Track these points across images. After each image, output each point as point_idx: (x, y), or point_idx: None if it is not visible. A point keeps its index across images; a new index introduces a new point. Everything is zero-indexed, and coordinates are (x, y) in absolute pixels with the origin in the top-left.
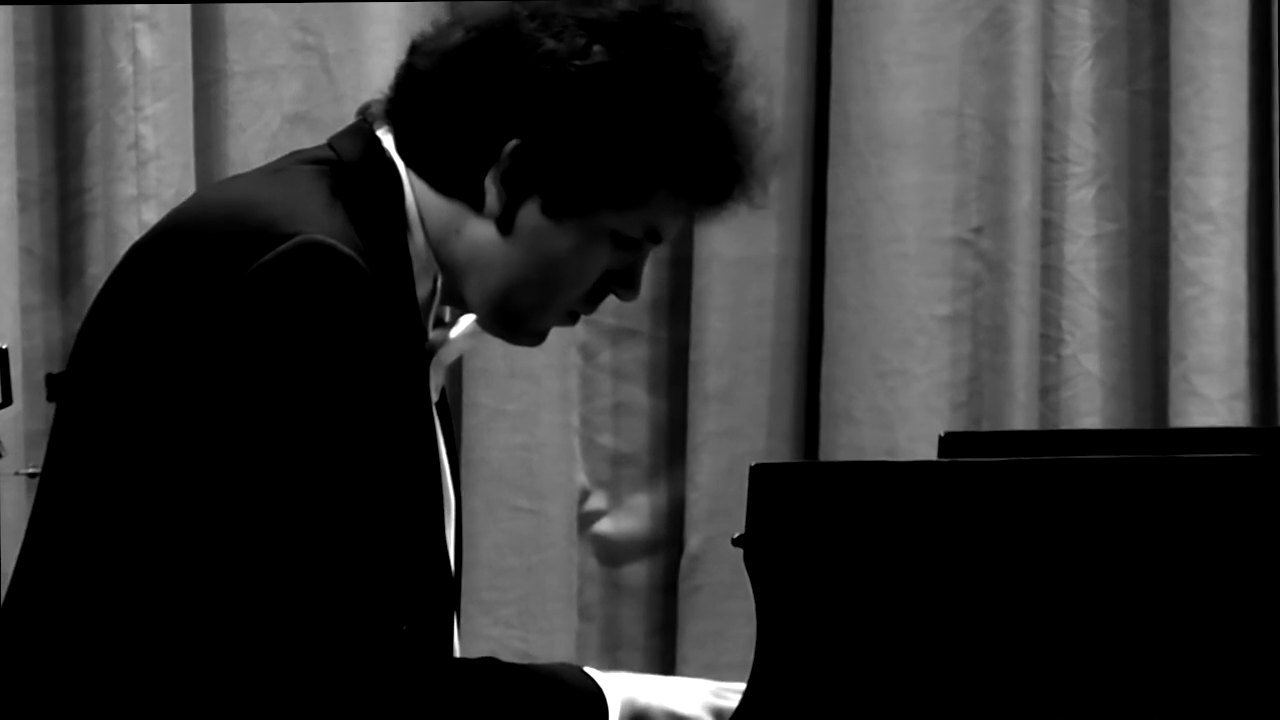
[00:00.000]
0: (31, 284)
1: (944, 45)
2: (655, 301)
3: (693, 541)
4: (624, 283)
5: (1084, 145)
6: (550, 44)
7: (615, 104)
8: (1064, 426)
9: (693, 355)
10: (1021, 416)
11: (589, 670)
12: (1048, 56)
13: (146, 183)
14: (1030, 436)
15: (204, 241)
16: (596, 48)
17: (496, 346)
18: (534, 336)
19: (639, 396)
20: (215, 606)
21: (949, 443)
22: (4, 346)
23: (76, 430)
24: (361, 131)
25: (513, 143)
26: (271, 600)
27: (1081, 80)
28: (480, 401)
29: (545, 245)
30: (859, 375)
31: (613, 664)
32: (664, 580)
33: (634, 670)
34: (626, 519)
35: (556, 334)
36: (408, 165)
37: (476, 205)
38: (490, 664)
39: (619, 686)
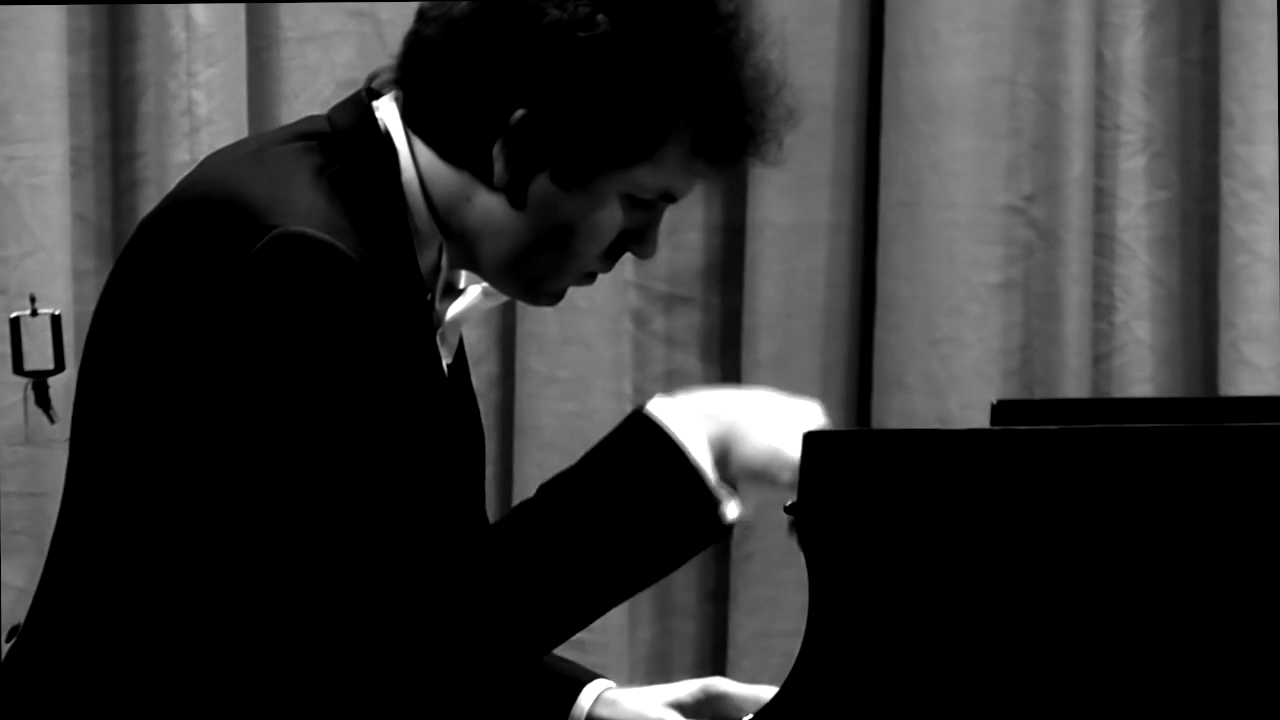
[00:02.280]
0: (84, 250)
1: (996, 12)
2: (708, 268)
3: (744, 508)
4: (640, 241)
5: (1135, 113)
6: (554, 13)
7: (620, 73)
8: (1115, 394)
9: (745, 322)
10: (1073, 384)
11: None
12: (1100, 24)
13: (199, 149)
14: (1082, 404)
15: (198, 226)
16: (600, 16)
17: (548, 313)
18: (551, 297)
19: (691, 364)
20: (240, 586)
21: (1001, 410)
22: (57, 312)
23: (94, 409)
24: (358, 104)
25: (519, 113)
26: (299, 578)
27: (1133, 48)
28: (532, 368)
29: (557, 213)
30: (911, 343)
31: (665, 631)
32: (716, 547)
33: (687, 639)
34: None
35: (609, 301)
36: (416, 134)
37: (485, 175)
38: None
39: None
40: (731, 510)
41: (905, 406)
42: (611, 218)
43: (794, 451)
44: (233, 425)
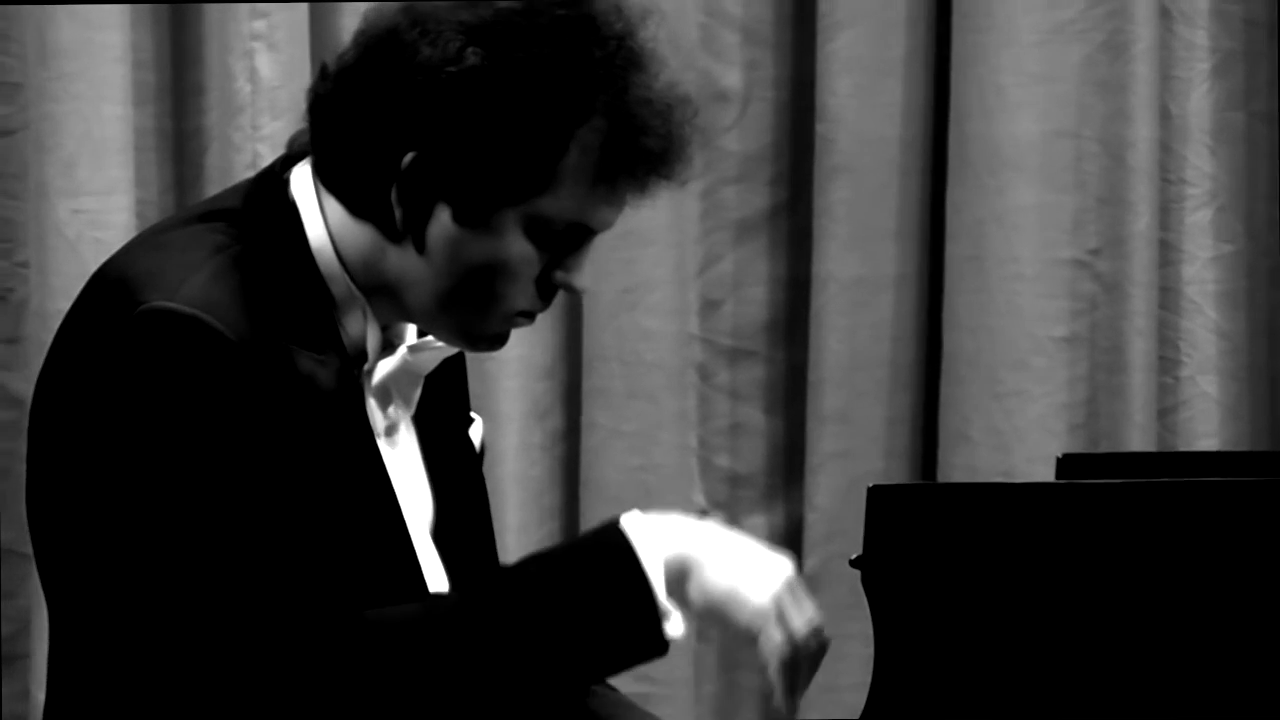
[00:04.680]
0: None
1: (1062, 66)
2: (772, 322)
3: (810, 562)
4: (566, 278)
5: (1201, 167)
6: (426, 51)
7: (494, 105)
8: (1182, 448)
9: (810, 376)
10: (1139, 438)
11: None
12: (1165, 78)
13: None
14: (1148, 458)
15: (87, 306)
16: (470, 50)
17: (614, 367)
18: (488, 342)
19: (756, 417)
20: (123, 623)
21: (1066, 464)
22: None
23: (28, 486)
24: (268, 175)
25: (409, 156)
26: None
27: (1199, 102)
28: (598, 422)
29: (463, 253)
30: (976, 396)
31: (730, 685)
32: None
33: (752, 693)
34: None
35: (674, 355)
36: (329, 191)
37: (389, 225)
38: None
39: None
40: (674, 627)
41: (970, 460)
42: (521, 252)
43: (755, 596)
44: (96, 496)
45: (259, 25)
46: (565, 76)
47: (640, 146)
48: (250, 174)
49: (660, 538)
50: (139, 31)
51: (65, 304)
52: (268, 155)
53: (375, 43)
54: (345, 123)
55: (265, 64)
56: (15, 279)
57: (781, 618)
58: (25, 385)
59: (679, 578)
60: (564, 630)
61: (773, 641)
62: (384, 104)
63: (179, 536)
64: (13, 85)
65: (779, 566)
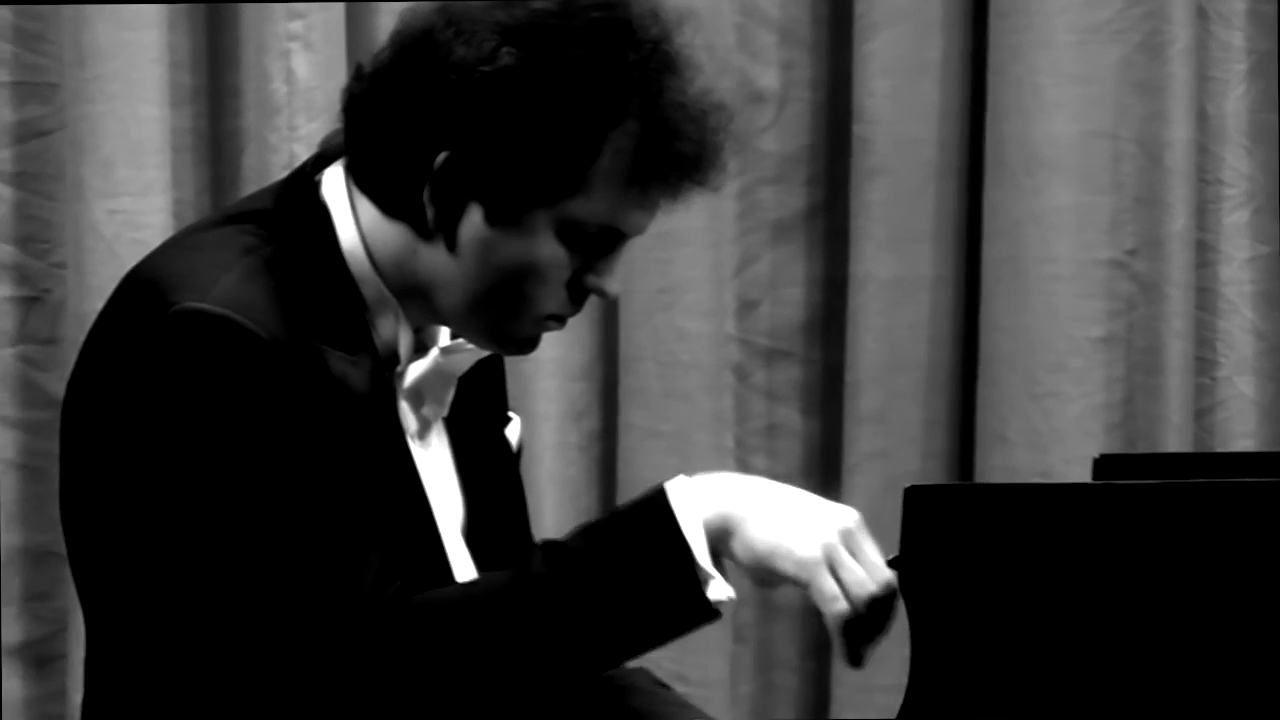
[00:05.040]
0: None
1: (1099, 67)
2: (809, 323)
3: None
4: (597, 282)
5: (1238, 167)
6: (461, 51)
7: (528, 106)
8: (1218, 449)
9: (847, 377)
10: (1176, 439)
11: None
12: (1202, 79)
13: None
14: (1185, 459)
15: (118, 309)
16: (505, 50)
17: (650, 368)
18: (518, 345)
19: (793, 418)
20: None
21: (1103, 465)
22: None
23: (62, 485)
24: (299, 176)
25: (442, 156)
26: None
27: (1236, 102)
28: (634, 423)
29: (494, 254)
30: (1013, 397)
31: (767, 685)
32: None
33: (789, 693)
34: None
35: (711, 355)
36: (363, 192)
37: (421, 225)
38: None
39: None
40: (718, 590)
41: (1007, 461)
42: (553, 255)
43: (802, 548)
44: (128, 497)
45: (295, 26)
46: (599, 79)
47: (673, 151)
48: (286, 175)
49: (702, 498)
50: (176, 32)
51: (102, 305)
52: (304, 156)
53: (410, 42)
54: (379, 122)
55: (302, 64)
56: (52, 279)
57: (835, 567)
58: (62, 386)
59: (721, 536)
60: (607, 598)
61: (824, 593)
62: (418, 103)
63: (209, 537)
64: (50, 86)
65: (834, 517)
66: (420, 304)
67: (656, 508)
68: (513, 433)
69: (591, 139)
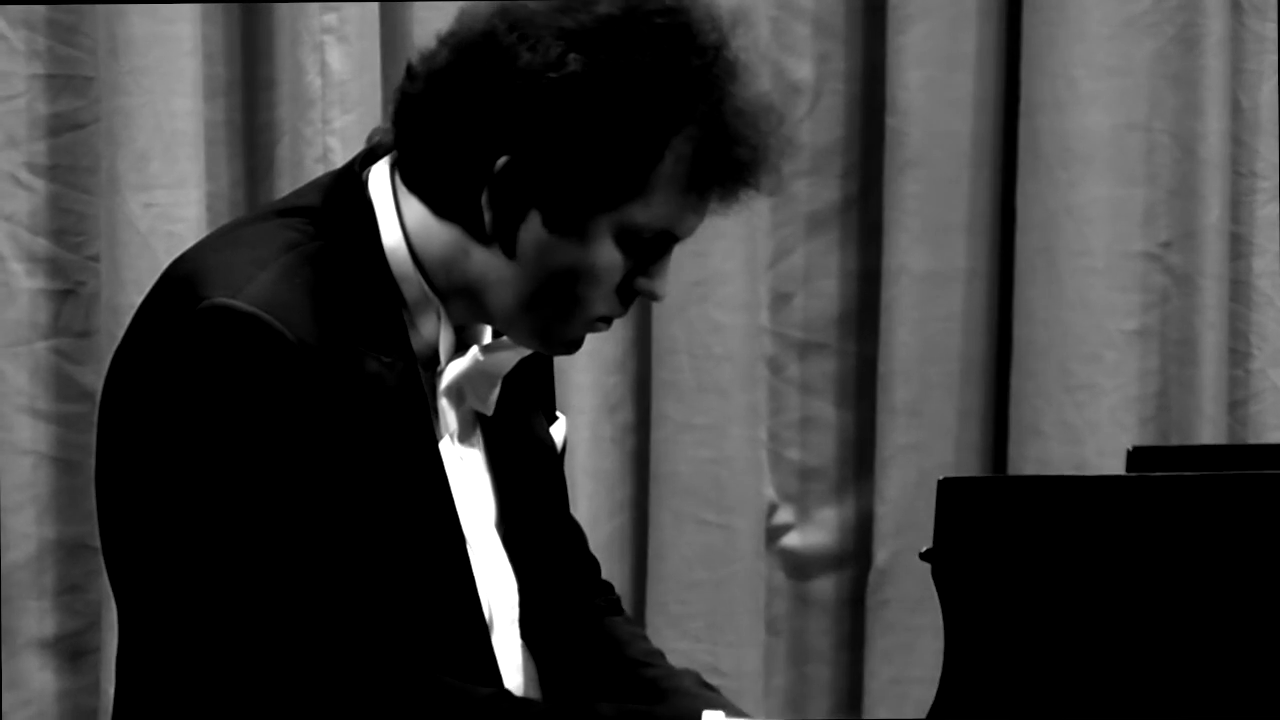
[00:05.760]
0: None
1: (1133, 59)
2: (843, 315)
3: (880, 555)
4: (649, 285)
5: (1272, 159)
6: (526, 56)
7: (595, 112)
8: (1252, 440)
9: (881, 369)
10: (1210, 431)
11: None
12: (1236, 71)
13: None
14: (1219, 451)
15: (156, 303)
16: (572, 56)
17: (684, 360)
18: (565, 346)
19: (827, 410)
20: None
21: (1137, 457)
22: None
23: (97, 479)
24: (346, 173)
25: (502, 160)
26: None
27: (1270, 94)
28: (668, 415)
29: (553, 258)
30: (1047, 389)
31: (800, 678)
32: (852, 594)
33: (822, 685)
34: (814, 533)
35: (745, 347)
36: (412, 191)
37: (477, 227)
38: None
39: None
40: None
41: (1041, 453)
42: (610, 260)
43: None
44: (156, 493)
45: (330, 19)
46: (664, 84)
47: (733, 156)
48: (321, 168)
49: None
50: (210, 25)
51: (136, 298)
52: (338, 149)
53: (470, 46)
54: (436, 124)
55: (336, 58)
56: (86, 272)
57: None
58: (96, 379)
59: None
60: None
61: None
62: (480, 107)
63: (222, 534)
64: (84, 79)
65: None
66: (466, 303)
67: None
68: (558, 432)
69: (655, 145)
